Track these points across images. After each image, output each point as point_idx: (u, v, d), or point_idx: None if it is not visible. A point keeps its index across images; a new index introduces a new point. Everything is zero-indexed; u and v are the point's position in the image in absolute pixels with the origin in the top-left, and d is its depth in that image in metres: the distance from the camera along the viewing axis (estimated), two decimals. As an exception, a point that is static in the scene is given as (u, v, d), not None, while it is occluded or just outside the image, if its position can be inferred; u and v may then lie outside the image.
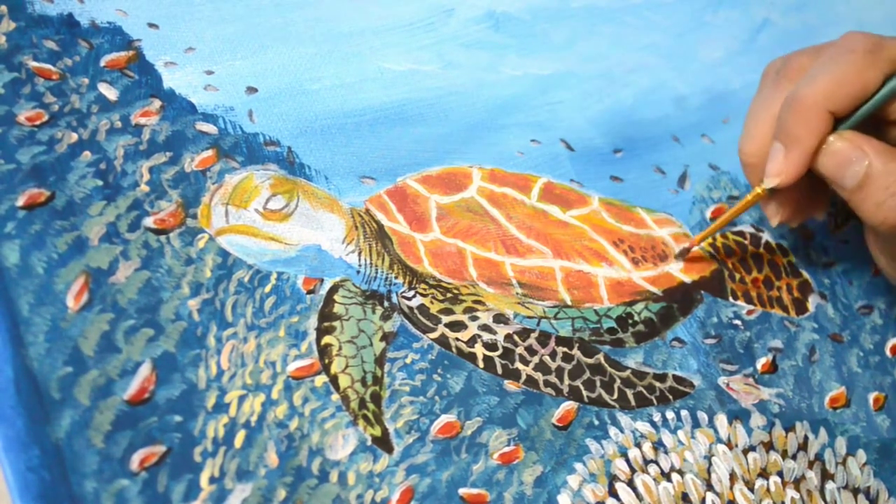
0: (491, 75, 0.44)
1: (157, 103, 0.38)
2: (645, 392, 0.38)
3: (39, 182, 0.34)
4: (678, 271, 0.42)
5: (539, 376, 0.37)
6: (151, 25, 0.39)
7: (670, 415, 0.38)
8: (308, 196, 0.38)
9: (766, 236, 0.44)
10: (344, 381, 0.34)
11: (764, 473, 0.38)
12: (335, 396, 0.34)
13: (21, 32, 0.37)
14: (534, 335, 0.38)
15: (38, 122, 0.35)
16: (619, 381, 0.38)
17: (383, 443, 0.34)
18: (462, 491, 0.34)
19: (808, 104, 0.35)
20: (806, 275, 0.44)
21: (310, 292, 0.36)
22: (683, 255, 0.42)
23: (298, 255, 0.36)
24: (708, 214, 0.44)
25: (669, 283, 0.41)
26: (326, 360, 0.34)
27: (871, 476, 0.39)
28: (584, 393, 0.37)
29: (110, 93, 0.37)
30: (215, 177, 0.37)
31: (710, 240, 0.43)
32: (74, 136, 0.36)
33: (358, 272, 0.37)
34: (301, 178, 0.38)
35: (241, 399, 0.33)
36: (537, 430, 0.36)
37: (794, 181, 0.36)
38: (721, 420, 0.38)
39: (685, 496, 0.36)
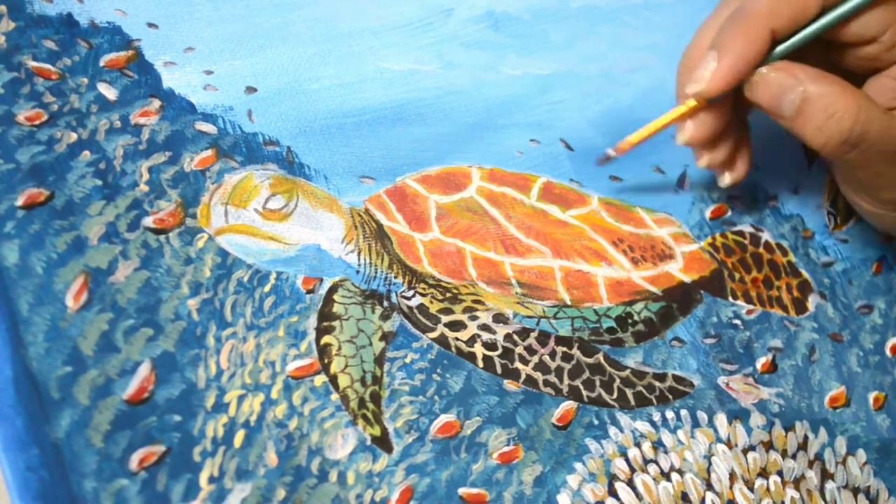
0: (490, 75, 0.44)
1: (156, 103, 0.38)
2: (644, 392, 0.38)
3: (39, 182, 0.34)
4: (678, 271, 0.42)
5: (538, 376, 0.37)
6: (151, 25, 0.39)
7: (670, 414, 0.38)
8: (307, 196, 0.38)
9: (765, 236, 0.44)
10: (343, 381, 0.34)
11: (764, 473, 0.38)
12: (334, 396, 0.34)
13: (20, 32, 0.37)
14: (533, 335, 0.38)
15: (37, 122, 0.35)
16: (618, 380, 0.38)
17: (383, 442, 0.34)
18: (461, 490, 0.34)
19: (750, 17, 0.35)
20: (806, 274, 0.44)
21: (309, 292, 0.36)
22: (603, 161, 0.41)
23: (298, 255, 0.36)
24: (708, 214, 0.44)
25: (669, 282, 0.41)
26: (326, 360, 0.34)
27: (871, 475, 0.39)
28: (584, 392, 0.37)
29: (110, 92, 0.37)
30: (214, 176, 0.37)
31: (709, 239, 0.43)
32: (74, 136, 0.36)
33: (357, 272, 0.37)
34: (300, 178, 0.38)
35: (241, 399, 0.33)
36: (537, 429, 0.36)
37: (718, 93, 0.36)
38: (721, 420, 0.38)
39: (685, 496, 0.36)
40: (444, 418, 0.35)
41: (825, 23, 0.36)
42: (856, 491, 0.38)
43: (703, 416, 0.38)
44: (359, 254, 0.37)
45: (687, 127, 0.39)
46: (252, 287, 0.35)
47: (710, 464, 0.37)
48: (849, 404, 0.41)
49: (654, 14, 0.49)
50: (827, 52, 0.37)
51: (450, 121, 0.42)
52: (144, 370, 0.32)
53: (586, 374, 0.37)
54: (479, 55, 0.45)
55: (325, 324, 0.35)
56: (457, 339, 0.36)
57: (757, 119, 0.41)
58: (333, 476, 0.33)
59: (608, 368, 0.38)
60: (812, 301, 0.43)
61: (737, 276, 0.43)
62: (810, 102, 0.35)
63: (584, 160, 0.43)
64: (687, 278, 0.42)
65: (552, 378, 0.37)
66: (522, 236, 0.40)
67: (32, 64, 0.36)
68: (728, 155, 0.40)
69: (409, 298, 0.37)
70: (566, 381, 0.37)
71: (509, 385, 0.36)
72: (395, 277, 0.37)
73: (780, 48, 0.36)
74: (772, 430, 0.39)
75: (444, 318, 0.37)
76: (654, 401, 0.38)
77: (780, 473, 0.38)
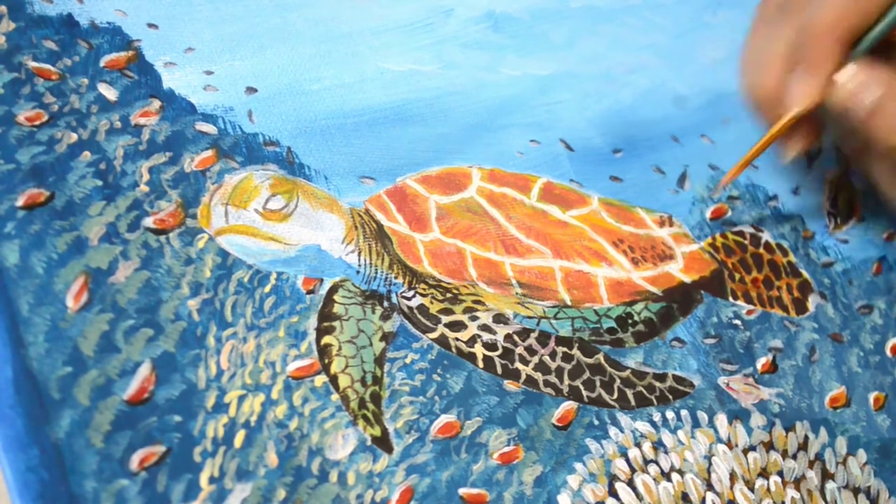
0: (490, 75, 0.44)
1: (156, 103, 0.38)
2: (645, 392, 0.38)
3: (39, 182, 0.34)
4: (678, 271, 0.42)
5: (539, 376, 0.37)
6: (151, 26, 0.39)
7: (670, 415, 0.38)
8: (308, 196, 0.38)
9: (766, 236, 0.44)
10: (343, 381, 0.34)
11: (764, 473, 0.38)
12: (335, 396, 0.34)
13: (21, 33, 0.37)
14: (533, 335, 0.38)
15: (37, 123, 0.35)
16: (618, 380, 0.38)
17: (383, 443, 0.34)
18: (462, 491, 0.34)
19: (825, 29, 0.35)
20: (806, 275, 0.44)
21: (309, 292, 0.36)
22: (717, 191, 0.43)
23: (298, 255, 0.36)
24: (708, 214, 0.44)
25: (669, 282, 0.41)
26: (326, 360, 0.34)
27: (872, 476, 0.39)
28: (584, 393, 0.37)
29: (110, 93, 0.37)
30: (215, 177, 0.37)
31: (709, 240, 0.43)
32: (74, 137, 0.36)
33: (357, 272, 0.37)
34: (300, 178, 0.38)
35: (241, 399, 0.33)
36: (537, 429, 0.36)
37: (817, 105, 0.37)
38: (721, 420, 0.38)
39: (685, 496, 0.36)
40: (444, 418, 0.35)
41: (891, 20, 0.36)
42: (856, 491, 0.38)
43: (703, 416, 0.38)
44: (359, 254, 0.37)
45: (797, 143, 0.40)
46: (252, 287, 0.35)
47: (710, 464, 0.37)
48: (849, 404, 0.41)
49: (654, 14, 0.49)
50: (886, 49, 0.37)
51: (450, 121, 0.42)
52: (145, 370, 0.32)
53: (586, 375, 0.37)
54: (478, 55, 0.45)
55: (326, 324, 0.35)
56: (457, 339, 0.36)
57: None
58: (334, 476, 0.33)
59: (608, 369, 0.38)
60: (812, 301, 0.43)
61: (737, 276, 0.43)
62: (884, 105, 0.35)
63: (584, 160, 0.43)
64: (687, 278, 0.42)
65: (552, 378, 0.37)
66: (523, 237, 0.40)
67: (33, 64, 0.36)
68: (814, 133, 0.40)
69: (409, 299, 0.37)
70: (566, 381, 0.37)
71: (509, 385, 0.36)
72: (396, 278, 0.37)
73: (857, 51, 0.36)
74: (772, 431, 0.39)
75: (445, 319, 0.37)
76: (655, 401, 0.38)
77: (780, 474, 0.38)
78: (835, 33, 0.35)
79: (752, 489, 0.37)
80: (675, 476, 0.36)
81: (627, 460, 0.36)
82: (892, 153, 0.36)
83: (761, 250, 0.44)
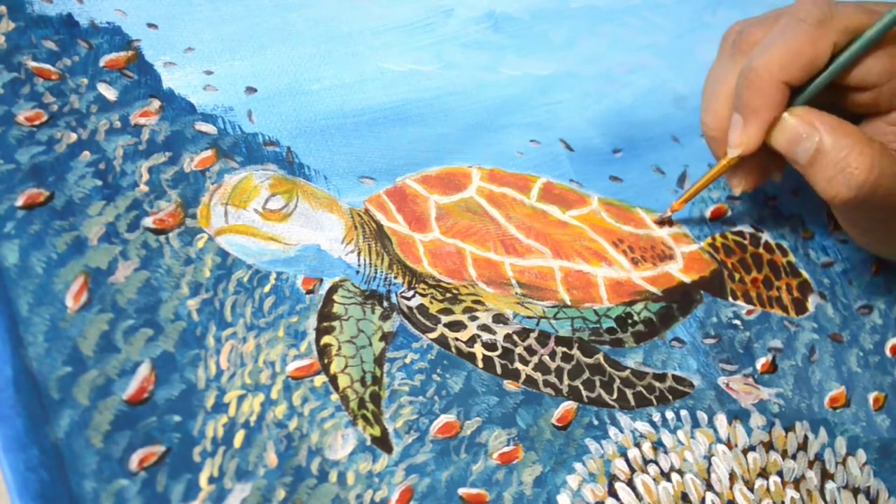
0: (490, 75, 0.44)
1: (156, 103, 0.38)
2: (644, 392, 0.38)
3: (38, 182, 0.34)
4: (678, 271, 0.42)
5: (538, 376, 0.37)
6: (150, 26, 0.39)
7: (670, 415, 0.38)
8: (307, 196, 0.38)
9: (765, 236, 0.44)
10: (343, 381, 0.34)
11: (764, 473, 0.38)
12: (334, 396, 0.34)
13: (20, 32, 0.37)
14: (533, 335, 0.38)
15: (37, 122, 0.35)
16: (618, 380, 0.38)
17: (382, 443, 0.34)
18: (461, 491, 0.34)
19: (763, 76, 0.36)
20: (806, 275, 0.44)
21: (309, 292, 0.36)
22: (662, 223, 0.43)
23: (298, 255, 0.36)
24: (708, 214, 0.44)
25: (669, 283, 0.41)
26: (326, 360, 0.34)
27: (871, 476, 0.39)
28: (584, 393, 0.37)
29: (109, 93, 0.37)
30: (214, 177, 0.37)
31: (709, 240, 0.43)
32: (74, 136, 0.36)
33: (357, 272, 0.37)
34: (300, 178, 0.38)
35: (241, 399, 0.33)
36: (537, 430, 0.36)
37: (754, 150, 0.37)
38: (721, 420, 0.38)
39: (685, 496, 0.36)
40: (443, 418, 0.35)
41: (837, 67, 0.36)
42: (856, 491, 0.38)
43: (703, 416, 0.38)
44: (359, 254, 0.37)
45: (739, 182, 0.40)
46: (252, 287, 0.35)
47: (710, 464, 0.37)
48: (849, 404, 0.41)
49: (654, 14, 0.49)
50: (827, 92, 0.37)
51: (450, 121, 0.42)
52: (144, 370, 0.32)
53: (586, 375, 0.37)
54: (478, 55, 0.45)
55: (325, 324, 0.35)
56: (457, 339, 0.36)
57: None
58: (333, 476, 0.33)
59: (608, 369, 0.38)
60: (812, 301, 0.43)
61: (737, 276, 0.43)
62: (823, 153, 0.35)
63: (584, 160, 0.43)
64: (687, 279, 0.42)
65: (552, 378, 0.37)
66: (522, 237, 0.40)
67: (32, 64, 0.36)
68: (768, 167, 0.41)
69: (408, 299, 0.37)
70: (566, 381, 0.37)
71: (509, 385, 0.36)
72: (395, 278, 0.37)
73: (800, 98, 0.37)
74: (772, 431, 0.39)
75: (444, 319, 0.37)
76: (654, 401, 0.38)
77: (780, 474, 0.38)
78: (775, 80, 0.36)
79: (751, 489, 0.37)
80: (674, 476, 0.36)
81: (627, 460, 0.36)
82: (833, 202, 0.36)
83: (761, 250, 0.44)
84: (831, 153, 0.35)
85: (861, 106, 0.38)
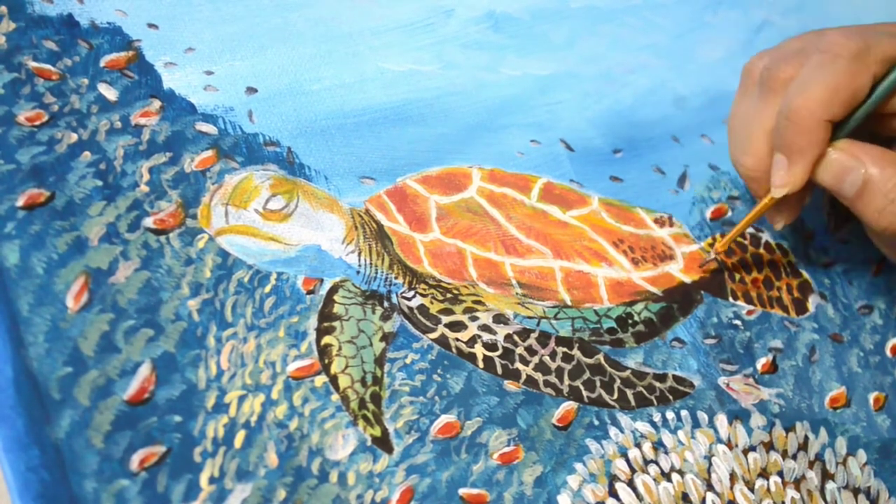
0: (490, 75, 0.44)
1: (156, 104, 0.38)
2: (645, 392, 0.38)
3: (39, 182, 0.34)
4: (678, 271, 0.42)
5: (539, 376, 0.37)
6: (151, 26, 0.39)
7: (670, 415, 0.38)
8: (308, 196, 0.38)
9: (766, 236, 0.44)
10: (344, 382, 0.34)
11: (764, 473, 0.38)
12: (335, 397, 0.34)
13: (21, 33, 0.37)
14: (534, 335, 0.38)
15: (37, 123, 0.35)
16: (619, 381, 0.38)
17: (383, 443, 0.34)
18: (462, 491, 0.34)
19: (805, 116, 0.35)
20: (806, 275, 0.44)
21: (309, 292, 0.36)
22: (705, 265, 0.42)
23: (298, 256, 0.36)
24: (708, 215, 0.44)
25: (669, 283, 0.41)
26: (326, 361, 0.34)
27: (872, 476, 0.39)
28: (584, 393, 0.37)
29: (110, 93, 0.37)
30: (215, 177, 0.37)
31: (709, 240, 0.43)
32: (74, 137, 0.36)
33: (358, 272, 0.37)
34: (301, 179, 0.38)
35: (241, 399, 0.33)
36: (537, 430, 0.36)
37: (800, 188, 0.37)
38: (721, 420, 0.38)
39: (685, 496, 0.36)
40: (444, 419, 0.35)
41: (877, 98, 0.36)
42: (856, 491, 0.38)
43: (703, 416, 0.38)
44: (359, 254, 0.37)
45: (781, 217, 0.40)
46: (252, 288, 0.35)
47: (710, 464, 0.37)
48: (849, 405, 0.41)
49: (654, 14, 0.49)
50: (867, 121, 0.37)
51: (450, 121, 0.42)
52: (145, 371, 0.32)
53: (587, 375, 0.37)
54: (479, 56, 0.45)
55: (326, 324, 0.35)
56: (457, 339, 0.36)
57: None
58: (334, 476, 0.33)
59: (608, 369, 0.38)
60: (812, 301, 0.43)
61: (737, 276, 0.43)
62: (871, 185, 0.35)
63: (584, 160, 0.43)
64: (687, 279, 0.42)
65: (552, 378, 0.37)
66: (523, 237, 0.40)
67: (33, 64, 0.36)
68: (805, 197, 0.40)
69: (409, 299, 0.37)
70: (566, 381, 0.37)
71: (510, 385, 0.36)
72: (396, 278, 0.37)
73: (842, 131, 0.36)
74: (772, 431, 0.39)
75: (445, 319, 0.37)
76: (655, 401, 0.38)
77: (780, 474, 0.38)
78: (817, 119, 0.35)
79: (752, 489, 0.37)
80: (675, 476, 0.36)
81: (627, 460, 0.36)
82: (885, 234, 0.36)
83: (761, 250, 0.44)
84: (879, 184, 0.35)
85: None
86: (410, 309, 0.37)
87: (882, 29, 0.36)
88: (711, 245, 0.43)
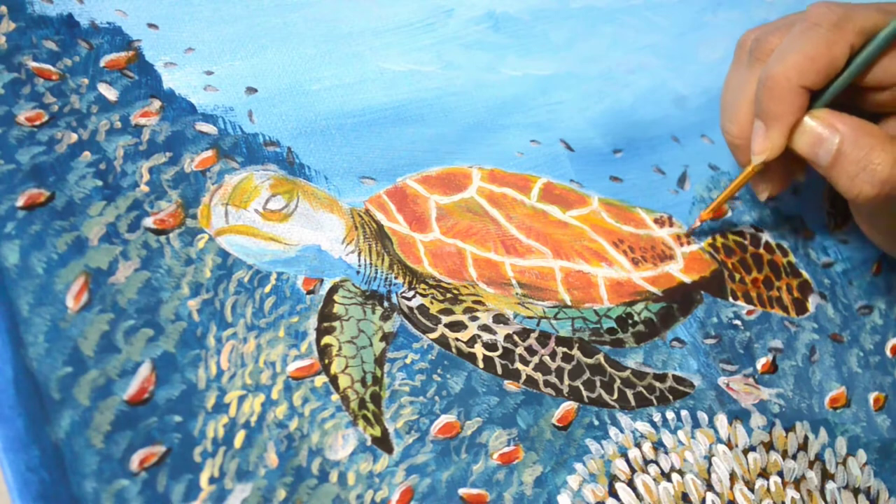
0: (490, 76, 0.44)
1: (156, 104, 0.38)
2: (645, 392, 0.38)
3: (39, 182, 0.34)
4: (678, 271, 0.42)
5: (539, 376, 0.37)
6: (151, 26, 0.39)
7: (670, 415, 0.38)
8: (308, 196, 0.38)
9: (765, 236, 0.44)
10: (344, 382, 0.34)
11: (764, 473, 0.38)
12: (335, 397, 0.34)
13: (21, 33, 0.37)
14: (534, 335, 0.38)
15: (37, 123, 0.35)
16: (618, 381, 0.38)
17: (383, 443, 0.34)
18: (462, 491, 0.34)
19: (781, 82, 0.36)
20: (806, 275, 0.44)
21: (309, 292, 0.36)
22: (690, 234, 0.43)
23: (298, 256, 0.36)
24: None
25: (669, 283, 0.41)
26: (326, 361, 0.34)
27: (872, 476, 0.39)
28: (584, 393, 0.37)
29: (110, 93, 0.37)
30: (215, 177, 0.37)
31: (709, 240, 0.43)
32: (74, 137, 0.36)
33: (358, 272, 0.37)
34: (301, 179, 0.38)
35: (241, 399, 0.33)
36: (537, 430, 0.36)
37: (778, 155, 0.37)
38: (721, 420, 0.38)
39: (685, 496, 0.36)
40: (444, 419, 0.35)
41: (855, 69, 0.36)
42: (856, 491, 0.38)
43: (703, 416, 0.38)
44: (359, 254, 0.37)
45: (765, 188, 0.41)
46: (252, 288, 0.35)
47: (710, 464, 0.37)
48: (849, 405, 0.41)
49: (654, 14, 0.49)
50: (846, 93, 0.38)
51: (450, 121, 0.42)
52: (145, 371, 0.32)
53: (587, 375, 0.37)
54: (479, 55, 0.45)
55: (326, 324, 0.35)
56: (457, 339, 0.36)
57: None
58: (334, 476, 0.33)
59: (608, 369, 0.38)
60: (812, 301, 0.43)
61: (737, 276, 0.43)
62: (845, 153, 0.35)
63: (584, 160, 0.43)
64: (687, 279, 0.42)
65: (552, 378, 0.37)
66: (523, 237, 0.40)
67: (33, 64, 0.36)
68: (791, 171, 0.41)
69: (409, 299, 0.37)
70: (566, 381, 0.37)
71: (510, 385, 0.36)
72: (396, 278, 0.37)
73: (820, 101, 0.37)
74: (772, 431, 0.39)
75: (445, 319, 0.37)
76: (655, 401, 0.38)
77: (780, 474, 0.38)
78: (793, 86, 0.36)
79: (752, 489, 0.37)
80: (675, 476, 0.36)
81: (627, 460, 0.36)
82: (857, 200, 0.36)
83: (761, 250, 0.44)
84: (853, 152, 0.35)
85: (880, 105, 0.38)
86: (410, 309, 0.37)
87: (871, 4, 0.37)
88: (711, 245, 0.43)
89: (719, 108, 0.41)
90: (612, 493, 0.35)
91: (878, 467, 0.39)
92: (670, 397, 0.38)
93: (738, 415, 0.39)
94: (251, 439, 0.32)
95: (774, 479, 0.37)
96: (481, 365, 0.36)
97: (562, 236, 0.41)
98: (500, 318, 0.38)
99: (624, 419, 0.37)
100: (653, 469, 0.36)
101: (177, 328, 0.33)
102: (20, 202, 0.33)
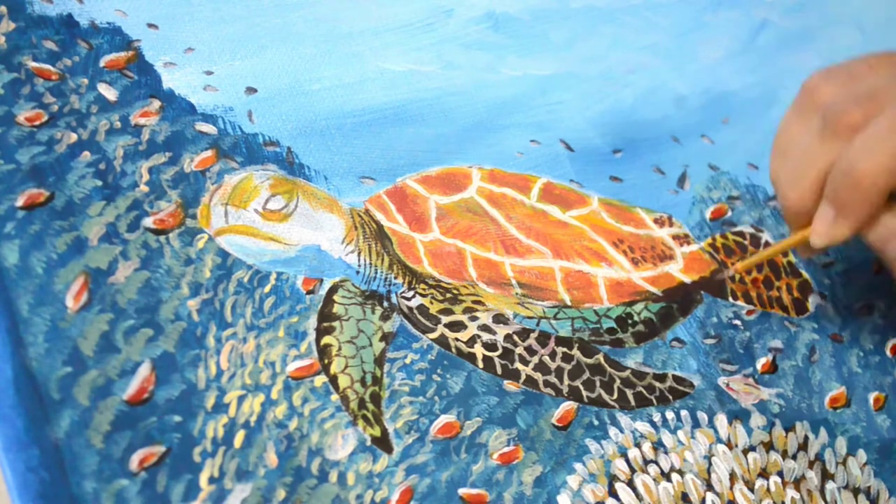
0: (490, 76, 0.44)
1: (156, 104, 0.38)
2: (645, 392, 0.38)
3: (39, 182, 0.34)
4: (678, 271, 0.42)
5: (539, 376, 0.37)
6: (151, 26, 0.39)
7: (670, 415, 0.38)
8: (307, 196, 0.38)
9: (765, 236, 0.44)
10: (343, 382, 0.34)
11: (764, 473, 0.38)
12: (334, 397, 0.34)
13: (21, 33, 0.37)
14: (533, 335, 0.38)
15: (37, 123, 0.35)
16: (618, 381, 0.38)
17: (383, 443, 0.34)
18: (462, 491, 0.34)
19: (868, 182, 0.33)
20: (806, 275, 0.44)
21: (309, 292, 0.36)
22: (722, 280, 0.42)
23: (298, 256, 0.36)
24: (707, 215, 0.44)
25: (669, 283, 0.41)
26: (326, 361, 0.34)
27: (872, 476, 0.39)
28: (584, 393, 0.37)
29: (110, 93, 0.37)
30: (215, 177, 0.37)
31: (709, 240, 0.43)
32: (74, 137, 0.36)
33: (357, 272, 0.37)
34: (300, 179, 0.38)
35: (241, 399, 0.33)
36: (537, 430, 0.36)
37: (839, 245, 0.36)
38: (721, 420, 0.38)
39: (685, 496, 0.36)
40: (444, 419, 0.35)
41: None
42: (856, 491, 0.38)
43: (703, 416, 0.38)
44: (359, 254, 0.37)
45: (811, 253, 0.38)
46: (252, 288, 0.35)
47: (710, 464, 0.37)
48: (849, 405, 0.41)
49: (654, 14, 0.49)
50: None
51: (450, 121, 0.42)
52: (144, 371, 0.32)
53: (586, 375, 0.37)
54: (479, 56, 0.45)
55: (326, 324, 0.35)
56: (457, 339, 0.36)
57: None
58: (333, 476, 0.33)
59: (608, 369, 0.38)
60: (812, 301, 0.43)
61: (737, 276, 0.42)
62: None
63: (584, 161, 0.43)
64: (687, 279, 0.42)
65: (552, 378, 0.37)
66: (523, 237, 0.40)
67: (33, 64, 0.36)
68: None
69: (409, 299, 0.37)
70: (566, 381, 0.37)
71: (509, 385, 0.36)
72: (396, 278, 0.37)
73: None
74: (772, 431, 0.39)
75: (445, 319, 0.37)
76: (655, 401, 0.38)
77: (780, 474, 0.38)
78: (877, 185, 0.33)
79: (751, 489, 0.37)
80: (674, 476, 0.36)
81: (627, 460, 0.36)
82: None
83: (761, 250, 0.44)
84: None
85: None
86: (410, 309, 0.37)
87: None
88: (711, 245, 0.43)
89: (771, 150, 0.38)
90: (612, 493, 0.35)
91: (878, 467, 0.39)
92: (670, 397, 0.38)
93: (738, 415, 0.39)
94: (251, 439, 0.32)
95: (774, 479, 0.37)
96: (481, 365, 0.36)
97: (562, 236, 0.41)
98: (499, 318, 0.38)
99: (624, 419, 0.37)
100: (652, 469, 0.36)
101: (176, 328, 0.33)
102: (20, 202, 0.33)
